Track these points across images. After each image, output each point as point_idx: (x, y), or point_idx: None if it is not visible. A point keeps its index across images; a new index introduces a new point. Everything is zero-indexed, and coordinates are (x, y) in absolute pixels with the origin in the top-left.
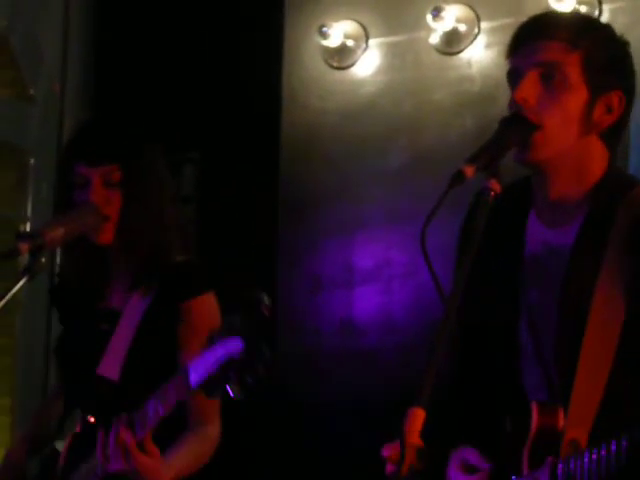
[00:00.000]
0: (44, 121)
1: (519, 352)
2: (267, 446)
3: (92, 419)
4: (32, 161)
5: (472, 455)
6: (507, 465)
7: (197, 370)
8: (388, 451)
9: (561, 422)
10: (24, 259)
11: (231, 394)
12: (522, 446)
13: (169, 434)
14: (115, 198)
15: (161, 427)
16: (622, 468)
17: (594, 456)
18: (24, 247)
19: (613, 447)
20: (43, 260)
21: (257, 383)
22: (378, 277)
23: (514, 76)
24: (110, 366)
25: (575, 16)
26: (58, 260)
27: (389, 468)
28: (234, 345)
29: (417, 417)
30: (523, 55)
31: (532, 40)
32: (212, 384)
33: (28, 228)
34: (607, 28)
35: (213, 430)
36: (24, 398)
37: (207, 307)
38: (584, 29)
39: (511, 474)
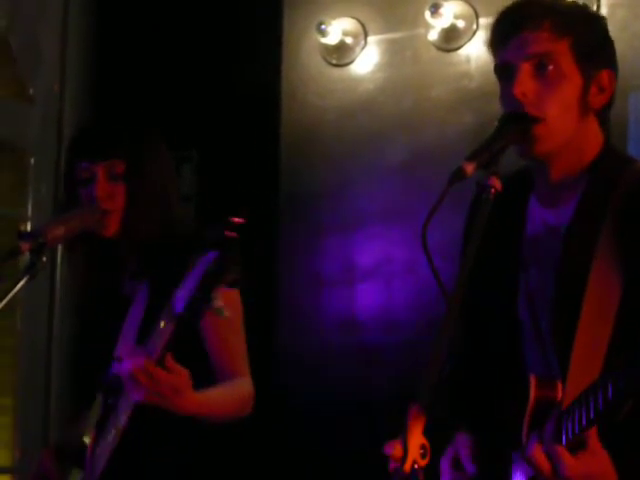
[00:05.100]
0: (44, 121)
1: (519, 330)
2: (267, 444)
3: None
4: (32, 161)
5: (464, 450)
6: (505, 441)
7: (180, 298)
8: (390, 448)
9: (559, 394)
10: (25, 258)
11: (220, 311)
12: (520, 421)
13: None
14: (119, 191)
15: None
16: (607, 411)
17: (582, 403)
18: (25, 246)
19: (600, 393)
20: (44, 259)
21: (235, 286)
22: (378, 275)
23: (505, 70)
24: (124, 347)
25: (552, 2)
26: (59, 259)
27: (392, 466)
28: (208, 258)
29: (419, 414)
30: (512, 48)
31: (518, 32)
32: (196, 304)
33: (28, 228)
34: (583, 9)
35: (242, 382)
36: (26, 398)
37: None
38: (566, 15)
39: (510, 450)
